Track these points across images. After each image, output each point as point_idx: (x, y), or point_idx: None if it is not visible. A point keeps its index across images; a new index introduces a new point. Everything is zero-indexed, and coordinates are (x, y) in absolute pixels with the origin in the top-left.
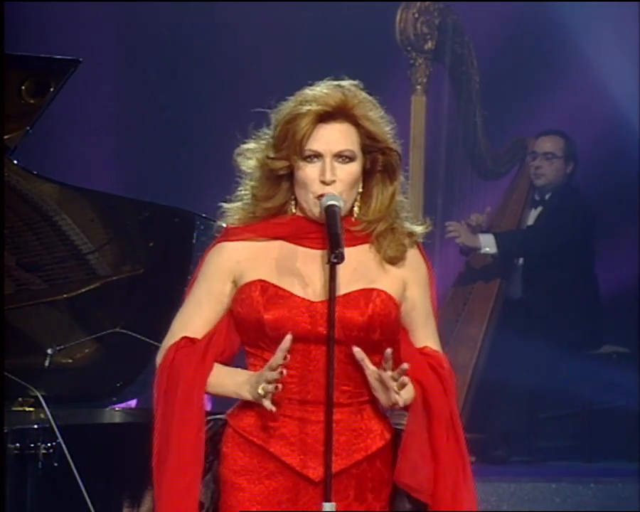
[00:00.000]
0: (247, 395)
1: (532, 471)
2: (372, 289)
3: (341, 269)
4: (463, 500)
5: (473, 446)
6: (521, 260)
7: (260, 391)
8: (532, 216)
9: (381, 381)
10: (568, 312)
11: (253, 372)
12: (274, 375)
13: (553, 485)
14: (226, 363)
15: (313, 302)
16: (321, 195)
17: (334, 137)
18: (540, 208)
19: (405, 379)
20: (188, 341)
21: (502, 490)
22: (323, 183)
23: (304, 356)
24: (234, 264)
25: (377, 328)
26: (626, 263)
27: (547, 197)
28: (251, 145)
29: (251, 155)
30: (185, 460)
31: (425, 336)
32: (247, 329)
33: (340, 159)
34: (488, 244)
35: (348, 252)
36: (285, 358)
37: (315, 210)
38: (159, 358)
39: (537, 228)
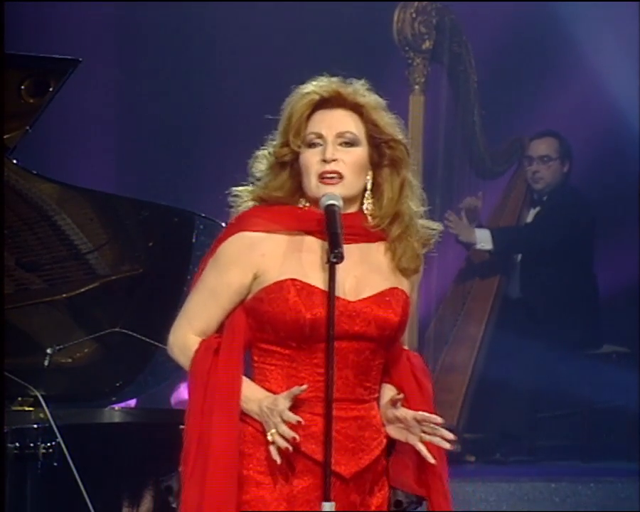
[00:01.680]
0: (252, 414)
1: (531, 470)
2: (396, 288)
3: (366, 267)
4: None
5: (472, 446)
6: (519, 259)
7: (269, 437)
8: (530, 215)
9: (403, 421)
10: (567, 312)
11: (264, 396)
12: (289, 432)
13: (553, 485)
14: None
15: (350, 302)
16: (323, 181)
17: (336, 119)
18: (538, 207)
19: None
20: (215, 343)
21: (501, 490)
22: (324, 161)
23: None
24: (258, 256)
25: (402, 327)
26: (626, 263)
27: (544, 198)
28: (264, 151)
29: (263, 159)
30: (223, 466)
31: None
32: (276, 328)
33: (343, 143)
34: (483, 239)
35: (368, 248)
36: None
37: (317, 192)
38: (176, 342)
39: (533, 225)
